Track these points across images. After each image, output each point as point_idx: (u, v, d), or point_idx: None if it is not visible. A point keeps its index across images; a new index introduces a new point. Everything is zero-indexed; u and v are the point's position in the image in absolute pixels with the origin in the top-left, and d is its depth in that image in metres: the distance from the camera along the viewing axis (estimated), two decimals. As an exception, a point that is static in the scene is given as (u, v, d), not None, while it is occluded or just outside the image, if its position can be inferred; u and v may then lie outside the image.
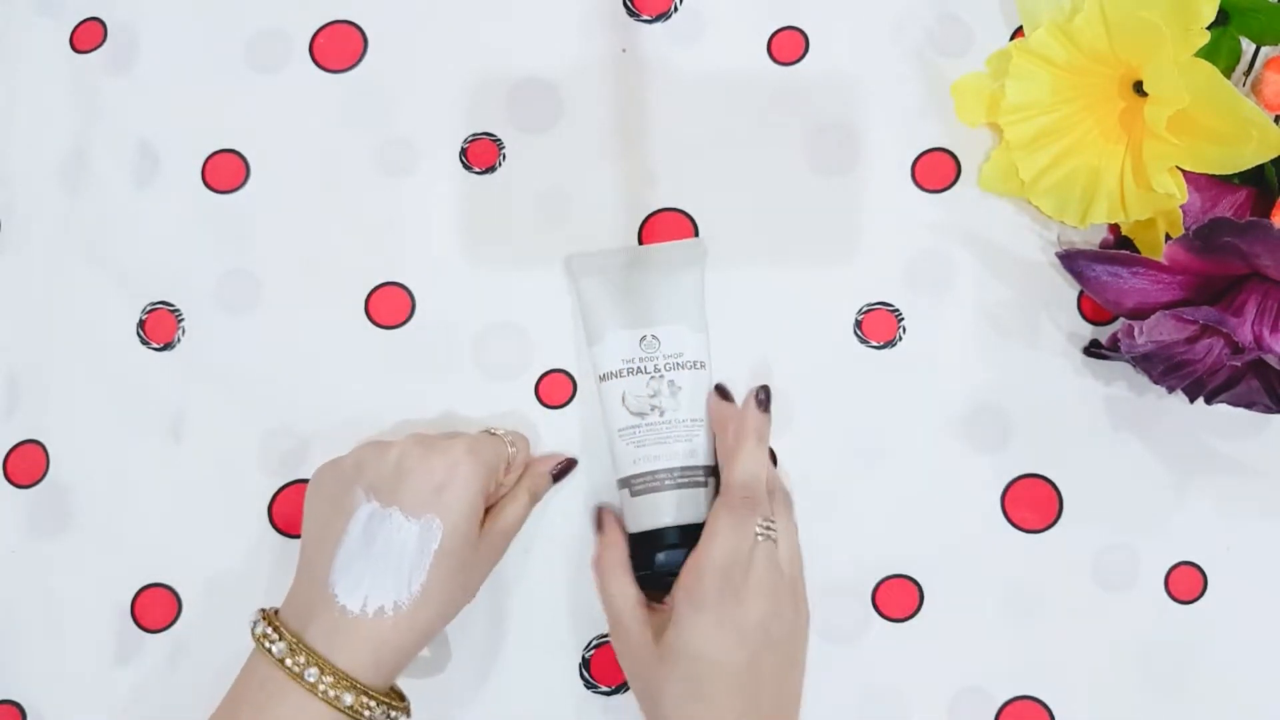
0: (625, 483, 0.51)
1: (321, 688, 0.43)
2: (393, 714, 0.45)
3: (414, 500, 0.45)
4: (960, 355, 0.54)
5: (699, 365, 0.52)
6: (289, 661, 0.44)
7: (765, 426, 0.51)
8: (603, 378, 0.52)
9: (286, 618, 0.46)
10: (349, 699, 0.43)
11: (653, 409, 0.51)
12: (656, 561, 0.50)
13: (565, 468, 0.53)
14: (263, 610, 0.47)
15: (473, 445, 0.47)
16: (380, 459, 0.47)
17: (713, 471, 0.52)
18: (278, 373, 0.55)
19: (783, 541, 0.49)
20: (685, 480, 0.51)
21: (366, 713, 0.44)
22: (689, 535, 0.49)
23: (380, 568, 0.45)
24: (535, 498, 0.52)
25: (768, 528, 0.48)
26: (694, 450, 0.51)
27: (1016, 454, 0.54)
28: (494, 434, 0.51)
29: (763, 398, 0.51)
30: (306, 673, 0.43)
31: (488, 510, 0.49)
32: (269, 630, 0.45)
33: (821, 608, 0.53)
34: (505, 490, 0.51)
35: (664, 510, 0.50)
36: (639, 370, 0.51)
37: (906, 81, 0.56)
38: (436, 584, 0.45)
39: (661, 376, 0.51)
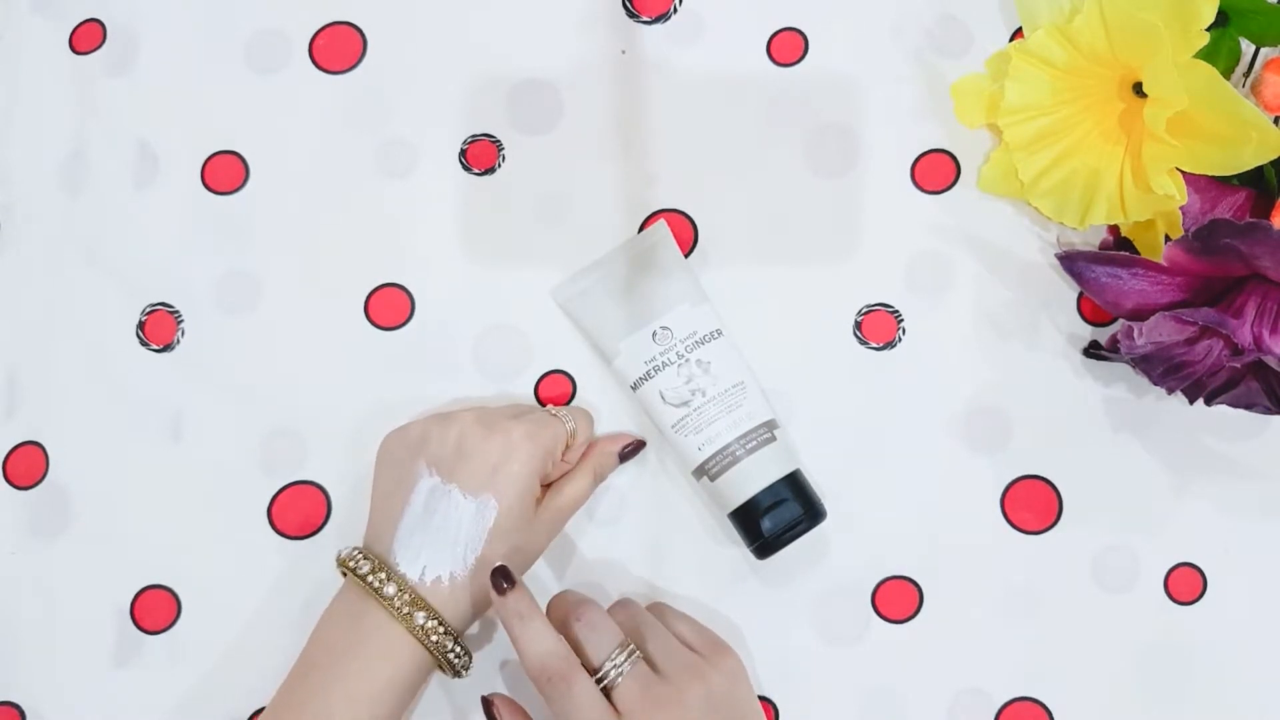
0: (701, 471, 0.51)
1: (398, 603, 0.46)
2: (457, 649, 0.47)
3: (472, 479, 0.47)
4: (960, 356, 0.54)
5: (716, 334, 0.52)
6: (371, 577, 0.46)
7: (518, 603, 0.46)
8: (634, 386, 0.52)
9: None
10: (420, 618, 0.46)
11: (693, 394, 0.51)
12: (765, 529, 0.50)
13: (634, 449, 0.53)
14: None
15: (531, 429, 0.48)
16: (443, 435, 0.48)
17: (774, 423, 0.52)
18: (278, 373, 0.55)
19: (651, 643, 0.47)
20: (755, 443, 0.51)
21: (435, 637, 0.46)
22: (781, 491, 0.50)
23: (438, 541, 0.47)
24: (600, 477, 0.52)
25: (622, 657, 0.45)
26: (749, 412, 0.51)
27: (1016, 455, 0.54)
28: (553, 414, 0.51)
29: (497, 580, 0.46)
30: (386, 588, 0.46)
31: (549, 486, 0.50)
32: (357, 555, 0.47)
33: (821, 608, 0.53)
34: (568, 467, 0.51)
35: (750, 478, 0.50)
36: (665, 364, 0.51)
37: (906, 82, 0.56)
38: (491, 558, 0.47)
39: (688, 360, 0.51)
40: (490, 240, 0.55)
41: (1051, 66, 0.50)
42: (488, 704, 0.48)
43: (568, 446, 0.51)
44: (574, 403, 0.54)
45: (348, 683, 0.46)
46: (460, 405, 0.54)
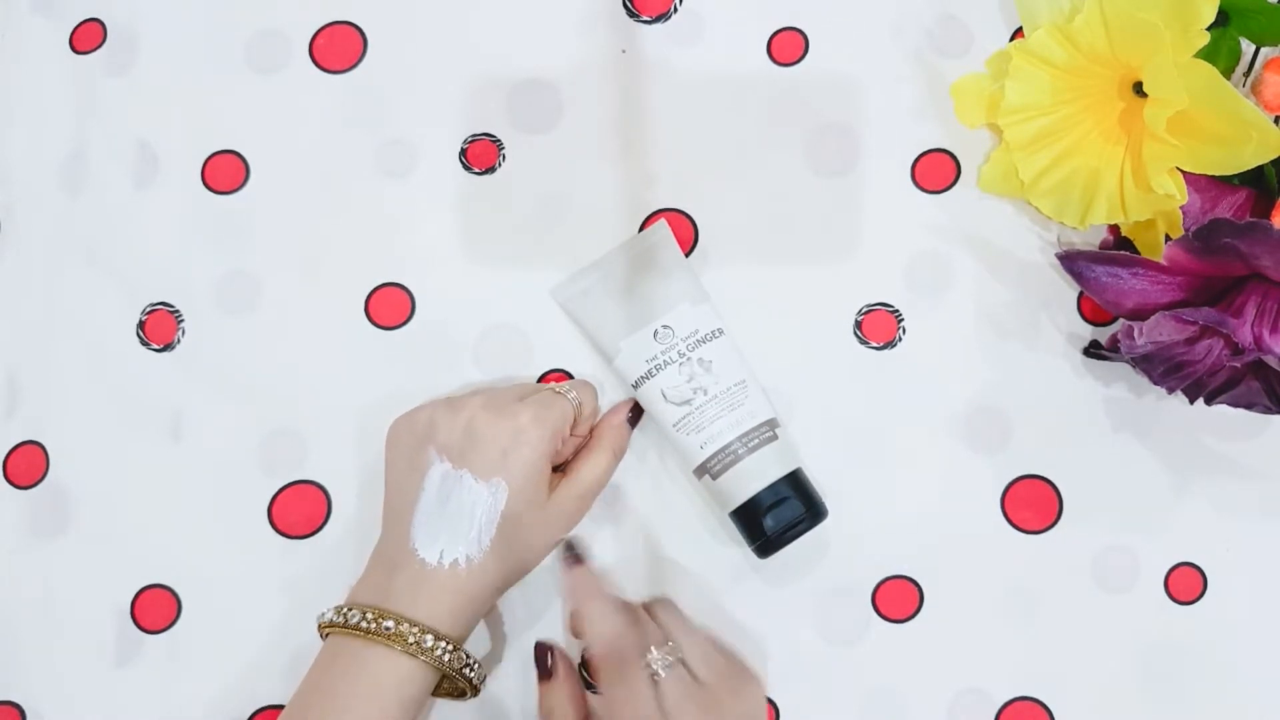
0: (702, 469, 0.51)
1: (411, 638, 0.45)
2: (469, 661, 0.48)
3: (482, 464, 0.48)
4: (960, 356, 0.54)
5: (718, 333, 0.52)
6: (369, 623, 0.46)
7: (587, 579, 0.49)
8: (635, 385, 0.52)
9: (375, 571, 0.49)
10: (430, 641, 0.46)
11: (695, 392, 0.51)
12: (767, 527, 0.50)
13: (636, 412, 0.53)
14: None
15: (538, 411, 0.49)
16: (452, 420, 0.49)
17: (775, 421, 0.52)
18: (278, 373, 0.55)
19: (691, 650, 0.47)
20: (757, 441, 0.51)
21: (446, 656, 0.46)
22: (782, 490, 0.50)
23: (454, 526, 0.48)
24: (618, 454, 0.52)
25: (665, 655, 0.46)
26: (751, 411, 0.51)
27: (1016, 454, 0.54)
28: (558, 392, 0.51)
29: (570, 553, 0.50)
30: (396, 626, 0.46)
31: (563, 468, 0.51)
32: (346, 611, 0.47)
33: (822, 608, 0.53)
34: (578, 441, 0.52)
35: (752, 476, 0.50)
36: (666, 363, 0.51)
37: (906, 82, 0.56)
38: (502, 542, 0.48)
39: (689, 359, 0.51)
40: (490, 240, 0.55)
41: (1052, 66, 0.50)
42: (546, 650, 0.49)
43: (575, 421, 0.51)
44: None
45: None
46: (466, 390, 0.54)
